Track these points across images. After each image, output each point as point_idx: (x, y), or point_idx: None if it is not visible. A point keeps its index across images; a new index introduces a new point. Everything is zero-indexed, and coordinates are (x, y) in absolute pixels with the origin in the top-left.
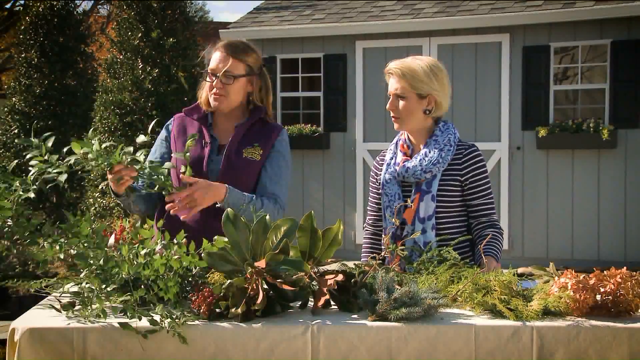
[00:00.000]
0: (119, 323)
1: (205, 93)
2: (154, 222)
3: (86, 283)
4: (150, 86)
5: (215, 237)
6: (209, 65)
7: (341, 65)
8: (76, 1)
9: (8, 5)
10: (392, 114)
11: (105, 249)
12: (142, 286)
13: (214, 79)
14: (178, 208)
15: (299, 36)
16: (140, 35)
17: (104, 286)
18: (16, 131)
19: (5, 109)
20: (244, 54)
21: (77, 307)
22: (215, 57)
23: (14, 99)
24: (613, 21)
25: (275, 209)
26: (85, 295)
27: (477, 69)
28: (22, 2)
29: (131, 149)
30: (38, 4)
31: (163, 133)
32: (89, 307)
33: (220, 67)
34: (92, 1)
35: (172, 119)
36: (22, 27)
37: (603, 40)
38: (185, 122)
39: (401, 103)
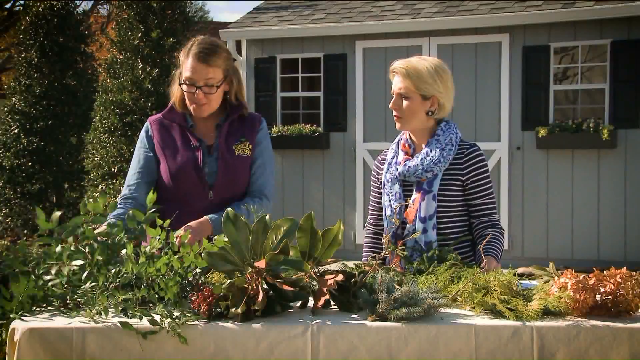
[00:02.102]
0: (119, 322)
1: (180, 96)
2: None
3: (90, 283)
4: (150, 86)
5: (215, 237)
6: (183, 72)
7: (341, 65)
8: (76, 1)
9: (8, 5)
10: (394, 113)
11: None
12: (144, 285)
13: (194, 89)
14: None
15: (299, 36)
16: (140, 35)
17: (107, 283)
18: (16, 131)
19: (5, 109)
20: (218, 58)
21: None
22: (190, 66)
23: (14, 99)
24: (613, 21)
25: (261, 204)
26: (89, 293)
27: (477, 69)
28: (22, 2)
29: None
30: (38, 4)
31: (143, 140)
32: (92, 307)
33: (199, 78)
34: (92, 1)
35: (147, 123)
36: (22, 27)
37: (603, 40)
38: (165, 126)
39: (404, 103)
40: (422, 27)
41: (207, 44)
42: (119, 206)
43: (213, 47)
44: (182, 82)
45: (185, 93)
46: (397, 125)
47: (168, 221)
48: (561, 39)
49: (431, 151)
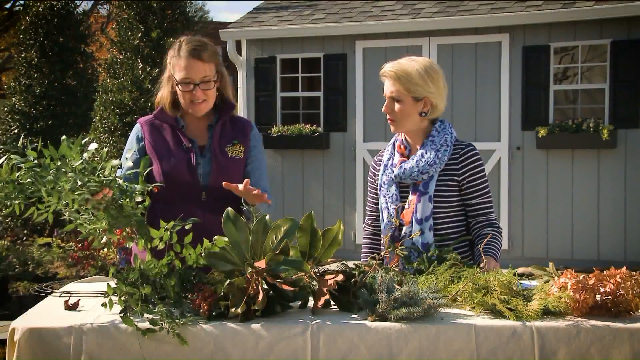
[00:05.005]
0: (120, 316)
1: (170, 100)
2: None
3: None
4: (150, 86)
5: (216, 236)
6: (176, 73)
7: (341, 65)
8: (76, 1)
9: (8, 5)
10: (388, 117)
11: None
12: (147, 283)
13: (191, 87)
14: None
15: (299, 36)
16: (140, 35)
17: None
18: (16, 131)
19: (5, 109)
20: (209, 53)
21: (80, 307)
22: (184, 65)
23: (14, 99)
24: (613, 21)
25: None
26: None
27: (477, 69)
28: (22, 2)
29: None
30: (38, 4)
31: (133, 142)
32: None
33: (196, 75)
34: (92, 1)
35: (137, 125)
36: (22, 27)
37: (603, 40)
38: (156, 127)
39: (397, 106)
40: (422, 27)
41: (196, 41)
42: None
43: (202, 43)
44: (178, 83)
45: (181, 94)
46: (392, 128)
47: (172, 223)
48: (561, 39)
49: (426, 153)
